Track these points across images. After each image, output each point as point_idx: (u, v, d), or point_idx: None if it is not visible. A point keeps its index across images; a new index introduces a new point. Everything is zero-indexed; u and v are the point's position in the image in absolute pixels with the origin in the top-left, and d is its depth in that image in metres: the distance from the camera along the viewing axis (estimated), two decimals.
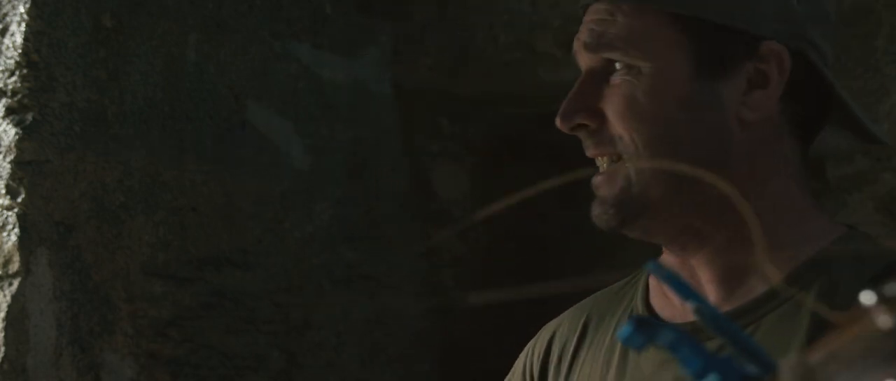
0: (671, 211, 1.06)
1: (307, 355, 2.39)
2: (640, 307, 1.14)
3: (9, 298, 1.99)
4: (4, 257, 2.00)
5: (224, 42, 2.31)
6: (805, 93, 1.07)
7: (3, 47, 2.05)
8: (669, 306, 1.11)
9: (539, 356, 1.24)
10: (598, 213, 1.08)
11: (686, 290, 0.71)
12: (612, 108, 1.06)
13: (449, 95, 2.59)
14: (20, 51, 2.03)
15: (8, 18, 2.06)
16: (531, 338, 1.28)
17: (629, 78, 1.05)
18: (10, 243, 2.00)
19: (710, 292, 1.07)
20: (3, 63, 2.05)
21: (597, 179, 1.08)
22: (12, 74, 2.03)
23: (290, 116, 2.40)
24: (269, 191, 2.36)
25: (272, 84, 2.39)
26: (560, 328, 1.24)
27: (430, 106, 2.63)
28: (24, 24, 2.03)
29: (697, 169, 1.01)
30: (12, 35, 2.04)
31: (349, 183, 2.50)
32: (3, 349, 1.97)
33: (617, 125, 1.06)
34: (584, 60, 1.10)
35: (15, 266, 1.99)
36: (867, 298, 0.50)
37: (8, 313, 1.98)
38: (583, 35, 1.09)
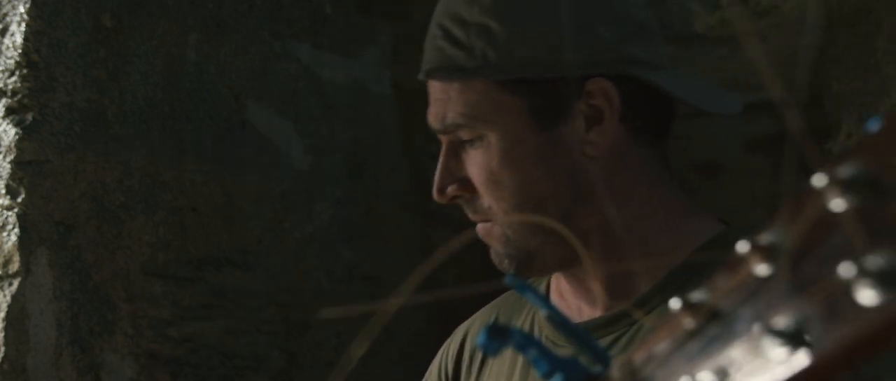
0: (555, 252, 1.13)
1: (307, 355, 2.39)
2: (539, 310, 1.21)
3: (9, 298, 1.99)
4: (4, 257, 2.00)
5: (224, 42, 2.31)
6: (644, 104, 1.13)
7: (3, 47, 2.05)
8: (566, 305, 1.20)
9: (452, 357, 1.31)
10: (498, 261, 1.18)
11: (538, 300, 0.78)
12: (477, 180, 1.14)
13: None
14: (20, 51, 2.03)
15: (8, 18, 2.06)
16: None
17: (482, 149, 1.12)
18: (10, 243, 2.00)
19: (600, 300, 1.16)
20: (3, 63, 2.05)
21: (480, 231, 1.17)
22: (12, 74, 2.03)
23: (290, 116, 2.40)
24: (269, 191, 2.36)
25: (272, 84, 2.39)
26: (471, 329, 1.32)
27: None
28: (24, 24, 2.03)
29: (549, 222, 1.08)
30: (12, 35, 2.04)
31: (349, 183, 2.50)
32: (3, 349, 1.97)
33: (484, 196, 1.14)
34: (440, 138, 1.18)
35: (15, 266, 1.99)
36: (674, 303, 0.57)
37: (8, 313, 1.98)
38: (431, 119, 1.16)
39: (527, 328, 1.23)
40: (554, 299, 1.22)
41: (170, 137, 2.21)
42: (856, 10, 2.18)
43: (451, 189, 1.17)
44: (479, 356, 1.28)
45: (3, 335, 1.97)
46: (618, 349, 1.09)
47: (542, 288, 1.27)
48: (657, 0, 2.34)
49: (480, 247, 2.92)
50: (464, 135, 1.14)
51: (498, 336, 0.72)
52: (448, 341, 1.35)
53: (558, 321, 0.76)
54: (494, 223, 1.15)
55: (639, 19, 1.15)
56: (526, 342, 0.72)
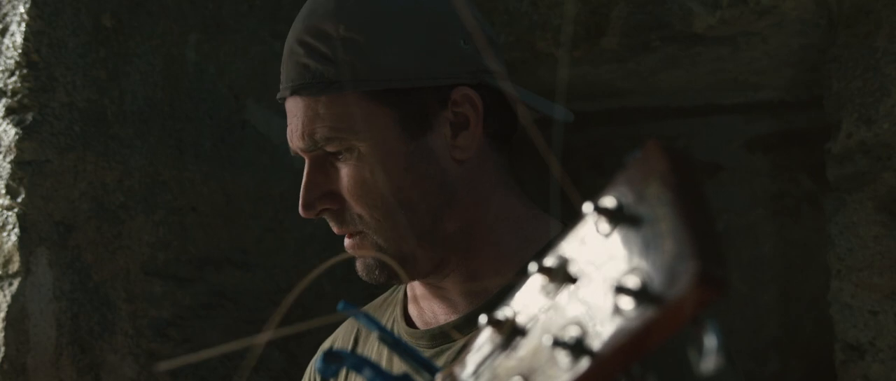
0: (425, 257, 1.18)
1: (307, 355, 2.39)
2: (399, 317, 1.28)
3: (9, 298, 1.99)
4: (4, 257, 2.00)
5: (224, 42, 2.31)
6: (499, 112, 1.20)
7: (3, 47, 2.06)
8: (422, 315, 1.25)
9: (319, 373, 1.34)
10: (364, 273, 1.23)
11: (371, 322, 0.84)
12: (347, 191, 1.17)
13: None
14: (20, 51, 2.03)
15: (8, 18, 2.06)
16: None
17: (353, 161, 1.16)
18: (10, 243, 2.00)
19: (461, 306, 1.21)
20: (3, 63, 2.05)
21: (348, 245, 1.21)
22: (12, 74, 2.03)
23: None
24: (269, 191, 2.36)
25: (272, 84, 2.39)
26: (335, 344, 1.38)
27: None
28: (24, 24, 2.03)
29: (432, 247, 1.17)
30: (12, 35, 2.04)
31: None
32: (3, 349, 1.97)
33: (356, 206, 1.17)
34: (305, 155, 1.20)
35: (15, 266, 1.99)
36: (482, 319, 0.66)
37: (8, 313, 1.98)
38: (295, 139, 1.19)
39: (391, 328, 1.28)
40: (410, 305, 1.27)
41: (170, 137, 2.21)
42: (856, 10, 2.18)
43: (318, 203, 1.19)
44: (342, 371, 1.33)
45: (3, 335, 1.97)
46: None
47: (399, 295, 1.33)
48: (657, 0, 2.34)
49: None
50: (332, 148, 1.17)
51: (333, 360, 0.78)
52: (313, 359, 1.41)
53: (390, 341, 0.82)
54: (364, 234, 1.18)
55: (488, 34, 1.22)
56: (359, 364, 0.78)
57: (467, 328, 1.18)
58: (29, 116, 2.03)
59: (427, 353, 1.20)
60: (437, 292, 1.23)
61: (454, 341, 1.19)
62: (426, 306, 1.25)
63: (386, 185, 1.16)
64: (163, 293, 2.17)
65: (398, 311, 1.30)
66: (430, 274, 1.21)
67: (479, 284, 1.20)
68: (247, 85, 2.34)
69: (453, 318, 1.21)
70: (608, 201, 0.57)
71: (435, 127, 1.17)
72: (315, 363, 1.39)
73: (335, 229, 1.21)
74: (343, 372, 1.34)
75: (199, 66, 2.27)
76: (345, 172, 1.17)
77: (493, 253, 1.20)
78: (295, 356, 2.37)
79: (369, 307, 1.38)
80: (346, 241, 1.21)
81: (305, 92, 1.18)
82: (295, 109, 1.20)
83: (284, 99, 1.23)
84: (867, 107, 2.14)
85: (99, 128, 2.11)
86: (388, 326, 1.29)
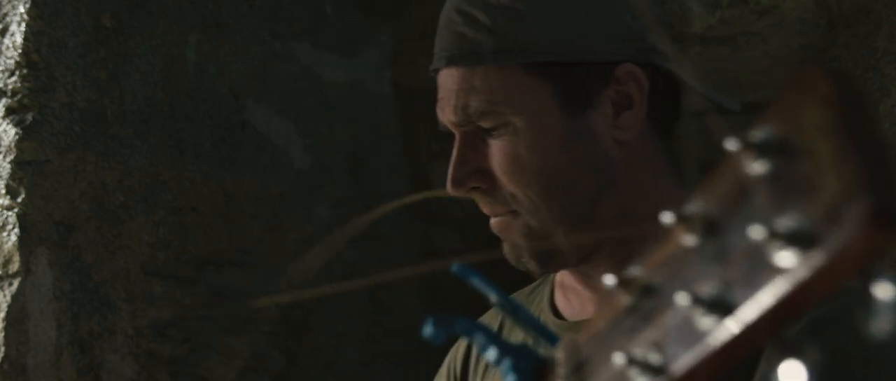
0: (578, 240, 1.12)
1: (307, 355, 2.39)
2: (545, 306, 1.20)
3: (9, 298, 1.99)
4: (4, 257, 2.00)
5: (224, 42, 2.31)
6: (664, 94, 1.14)
7: (3, 47, 2.05)
8: (570, 305, 1.18)
9: (462, 355, 1.31)
10: (512, 256, 1.16)
11: (486, 285, 0.80)
12: (500, 168, 1.11)
13: None
14: (20, 51, 2.03)
15: (8, 18, 2.06)
16: None
17: (507, 136, 1.10)
18: (10, 243, 2.00)
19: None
20: (3, 63, 2.05)
21: (495, 225, 1.14)
22: (12, 74, 2.03)
23: (290, 116, 2.40)
24: (269, 191, 2.36)
25: (272, 84, 2.39)
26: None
27: (430, 106, 2.62)
28: (24, 24, 2.03)
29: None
30: (12, 35, 2.04)
31: (349, 183, 2.50)
32: (3, 349, 1.97)
33: (508, 185, 1.11)
34: (456, 129, 1.15)
35: (15, 266, 1.99)
36: (609, 279, 0.58)
37: (8, 313, 1.98)
38: (447, 111, 1.14)
39: (538, 317, 1.18)
40: (558, 293, 1.20)
41: (170, 137, 2.21)
42: (856, 10, 2.18)
43: (469, 180, 1.13)
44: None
45: (3, 335, 1.97)
46: None
47: (546, 288, 1.26)
48: (657, 0, 2.34)
49: (480, 247, 2.91)
50: (486, 123, 1.12)
51: (443, 325, 0.73)
52: (454, 348, 1.34)
53: (508, 308, 0.77)
54: (516, 214, 1.12)
55: (655, 14, 1.17)
56: (471, 329, 0.73)
57: None
58: (29, 116, 2.03)
59: None
60: (587, 281, 1.16)
61: None
62: (574, 298, 1.18)
63: (542, 163, 1.10)
64: (163, 293, 2.17)
65: (545, 299, 1.23)
66: (581, 262, 1.15)
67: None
68: (247, 85, 2.34)
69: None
70: (757, 135, 0.48)
71: (596, 105, 1.11)
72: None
73: (484, 209, 1.15)
74: (480, 367, 1.27)
75: (199, 66, 2.27)
76: (498, 148, 1.11)
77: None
78: (295, 355, 2.37)
79: (519, 295, 1.29)
80: (493, 221, 1.15)
81: (461, 62, 1.13)
82: (448, 80, 1.15)
83: (437, 71, 1.17)
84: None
85: (99, 128, 2.11)
86: (536, 313, 1.22)
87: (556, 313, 1.19)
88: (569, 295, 1.19)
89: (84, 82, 2.09)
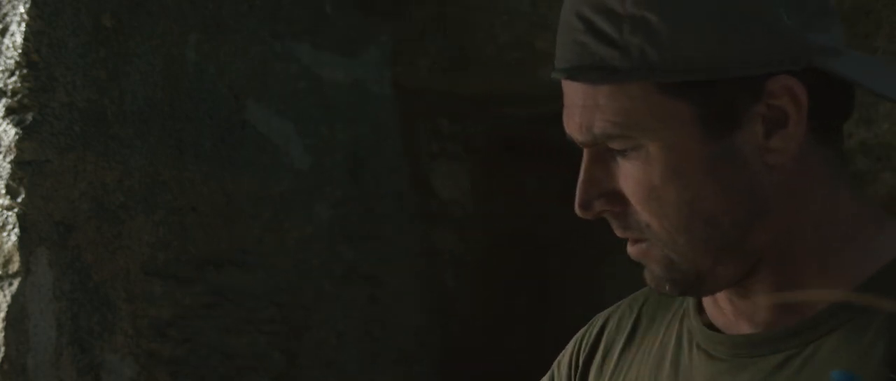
0: (726, 272, 0.99)
1: (307, 355, 2.39)
2: (691, 312, 1.08)
3: (9, 298, 1.98)
4: (4, 257, 2.00)
5: (224, 42, 2.31)
6: (830, 100, 0.98)
7: (3, 47, 2.05)
8: (722, 314, 1.06)
9: (586, 348, 1.18)
10: (653, 284, 1.02)
11: None
12: (633, 195, 0.98)
13: (449, 95, 2.59)
14: (20, 51, 2.03)
15: (8, 18, 2.06)
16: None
17: (640, 161, 0.97)
18: (10, 243, 2.00)
19: (767, 312, 1.01)
20: (3, 63, 2.05)
21: (633, 252, 1.02)
22: (12, 74, 2.03)
23: (290, 116, 2.40)
24: (269, 191, 2.36)
25: (272, 84, 2.39)
26: (610, 322, 1.18)
27: (430, 106, 2.63)
28: (24, 24, 2.03)
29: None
30: (12, 35, 2.04)
31: (349, 183, 2.50)
32: (3, 349, 1.97)
33: (643, 213, 0.98)
34: (583, 146, 1.01)
35: (15, 266, 1.99)
36: None
37: (8, 313, 1.98)
38: (572, 127, 1.00)
39: (674, 326, 1.10)
40: (707, 304, 1.07)
41: (170, 137, 2.21)
42: (856, 10, 2.18)
43: (598, 203, 0.99)
44: (614, 354, 1.14)
45: (3, 335, 1.97)
46: (790, 370, 0.97)
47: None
48: None
49: (481, 247, 2.92)
50: (616, 145, 0.97)
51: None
52: (584, 329, 1.20)
53: None
54: (654, 244, 0.99)
55: (821, 2, 1.00)
56: None
57: (773, 345, 0.99)
58: (29, 116, 2.03)
59: (723, 366, 1.01)
60: (742, 292, 1.02)
61: (758, 357, 0.99)
62: (727, 306, 1.04)
63: (681, 193, 0.96)
64: (163, 293, 2.17)
65: (690, 303, 1.09)
66: (725, 287, 1.01)
67: (797, 296, 1.00)
68: (247, 85, 2.34)
69: (759, 330, 1.01)
70: None
71: (744, 124, 0.95)
72: (616, 328, 1.14)
73: (617, 233, 1.02)
74: (608, 366, 1.15)
75: (199, 66, 2.27)
76: (629, 172, 0.97)
77: (818, 263, 0.99)
78: (295, 355, 2.37)
79: (647, 292, 1.16)
80: (630, 247, 1.01)
81: (583, 78, 0.97)
82: (571, 92, 0.99)
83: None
84: (867, 107, 2.14)
85: (99, 128, 2.11)
86: (676, 318, 1.10)
87: (702, 317, 1.07)
88: (720, 302, 1.05)
89: (84, 82, 2.09)
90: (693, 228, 0.97)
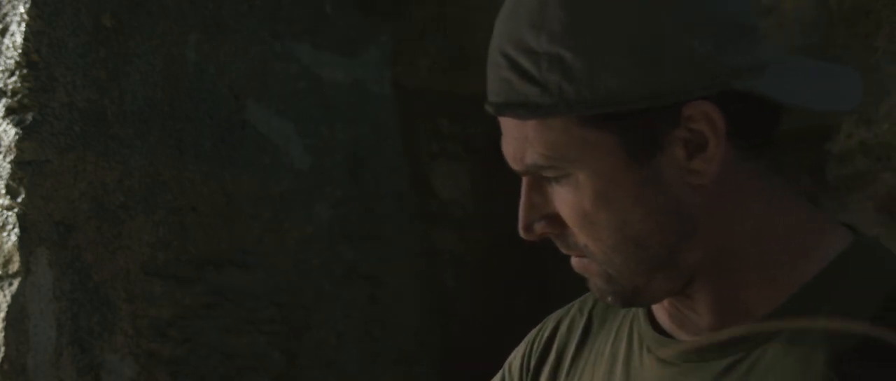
0: (663, 286, 1.04)
1: (307, 355, 2.39)
2: (641, 317, 1.12)
3: (9, 298, 1.99)
4: (4, 257, 2.00)
5: (224, 42, 2.31)
6: (752, 117, 1.01)
7: (3, 47, 2.05)
8: (670, 318, 1.09)
9: (538, 351, 1.22)
10: (599, 296, 1.07)
11: None
12: (567, 218, 1.03)
13: (449, 95, 2.59)
14: (20, 51, 2.03)
15: (8, 18, 2.06)
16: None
17: (570, 187, 1.01)
18: (10, 243, 2.00)
19: (707, 320, 1.05)
20: (3, 63, 2.05)
21: (576, 265, 1.06)
22: (12, 74, 2.03)
23: (290, 116, 2.40)
24: (269, 191, 2.36)
25: (272, 84, 2.39)
26: (562, 325, 1.22)
27: (430, 106, 2.63)
28: (24, 24, 2.03)
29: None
30: (12, 35, 2.04)
31: (349, 183, 2.50)
32: (3, 349, 1.97)
33: (578, 235, 1.03)
34: (518, 173, 1.06)
35: (15, 266, 1.99)
36: None
37: (8, 313, 1.98)
38: (508, 157, 1.05)
39: (624, 330, 1.13)
40: (656, 309, 1.11)
41: (170, 137, 2.21)
42: (856, 10, 2.18)
43: (538, 226, 1.04)
44: (567, 357, 1.18)
45: (3, 335, 1.97)
46: (737, 375, 1.01)
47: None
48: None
49: (481, 247, 2.91)
50: (548, 174, 1.02)
51: None
52: (536, 330, 1.24)
53: None
54: (593, 261, 1.04)
55: (735, 17, 1.00)
56: None
57: (720, 350, 1.03)
58: (29, 116, 2.03)
59: (673, 370, 1.05)
60: (687, 301, 1.06)
61: (706, 362, 1.03)
62: (674, 312, 1.08)
63: (611, 217, 1.00)
64: (163, 293, 2.17)
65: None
66: (666, 297, 1.06)
67: (738, 304, 1.03)
68: (247, 85, 2.34)
69: (705, 334, 1.05)
70: None
71: (666, 149, 0.99)
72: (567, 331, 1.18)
73: (562, 250, 1.06)
74: (567, 358, 1.19)
75: (199, 66, 2.27)
76: (563, 198, 1.02)
77: (752, 276, 1.02)
78: (295, 355, 2.37)
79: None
80: (573, 261, 1.06)
81: (510, 113, 1.02)
82: (504, 125, 1.04)
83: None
84: (867, 107, 2.14)
85: (99, 128, 2.11)
86: (627, 321, 1.13)
87: (652, 320, 1.10)
88: (668, 308, 1.09)
89: (84, 82, 2.09)
90: (625, 249, 1.01)
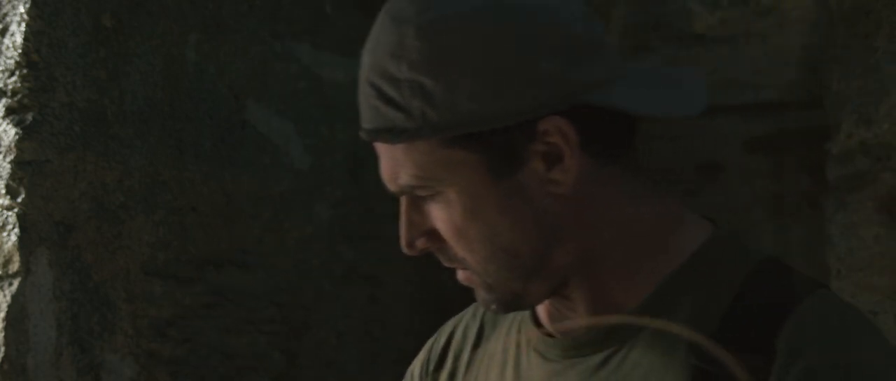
0: (539, 289, 1.11)
1: (307, 355, 2.40)
2: (527, 319, 1.19)
3: (9, 298, 1.99)
4: (4, 257, 2.00)
5: (224, 42, 2.31)
6: (604, 127, 1.08)
7: (3, 47, 2.06)
8: (551, 319, 1.16)
9: (435, 358, 1.31)
10: (484, 305, 1.15)
11: None
12: (443, 233, 1.10)
13: None
14: (20, 51, 2.03)
15: (8, 18, 2.06)
16: None
17: (442, 204, 1.09)
18: (10, 243, 2.00)
19: (588, 316, 1.12)
20: (3, 63, 2.05)
21: (461, 278, 1.14)
22: (12, 74, 2.03)
23: (290, 116, 2.40)
24: (269, 191, 2.36)
25: (272, 84, 2.39)
26: (457, 331, 1.30)
27: None
28: (24, 24, 2.03)
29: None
30: (12, 35, 2.04)
31: (349, 183, 2.50)
32: (3, 349, 1.97)
33: (455, 248, 1.10)
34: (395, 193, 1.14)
35: (15, 266, 2.00)
36: None
37: (8, 313, 1.98)
38: (385, 179, 1.13)
39: (513, 333, 1.20)
40: (540, 311, 1.19)
41: (170, 137, 2.21)
42: (856, 10, 2.18)
43: (419, 242, 1.14)
44: (464, 357, 1.26)
45: (3, 335, 1.97)
46: (610, 367, 1.09)
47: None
48: (657, 0, 2.34)
49: None
50: (421, 193, 1.10)
51: None
52: (432, 339, 1.33)
53: None
54: (473, 272, 1.12)
55: (581, 36, 1.08)
56: None
57: (594, 345, 1.11)
58: (29, 116, 2.03)
59: (556, 366, 1.13)
60: (564, 301, 1.14)
61: (583, 356, 1.11)
62: (554, 313, 1.16)
63: (482, 230, 1.08)
64: (163, 293, 2.18)
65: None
66: (550, 298, 1.14)
67: (609, 301, 1.11)
68: (247, 85, 2.34)
69: (583, 331, 1.13)
70: None
71: (526, 162, 1.06)
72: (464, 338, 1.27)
73: (444, 263, 1.15)
74: (455, 360, 1.27)
75: (199, 66, 2.27)
76: (437, 215, 1.10)
77: (620, 273, 1.11)
78: (295, 355, 2.37)
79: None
80: (458, 274, 1.14)
81: (380, 139, 1.11)
82: (378, 149, 1.13)
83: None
84: (867, 107, 2.14)
85: (99, 128, 2.11)
86: (515, 323, 1.21)
87: (536, 320, 1.18)
88: (549, 308, 1.16)
89: (84, 82, 2.09)
90: (498, 259, 1.09)
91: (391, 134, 1.09)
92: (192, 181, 2.24)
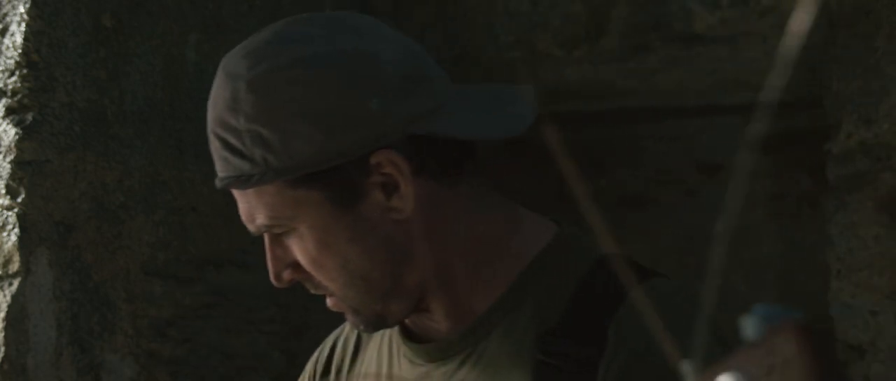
0: (399, 307, 1.19)
1: (307, 355, 2.39)
2: (397, 329, 1.26)
3: (9, 298, 1.99)
4: (4, 257, 2.01)
5: (224, 42, 2.31)
6: (436, 152, 1.16)
7: (3, 47, 2.06)
8: (417, 327, 1.24)
9: (320, 369, 1.38)
10: (354, 327, 1.25)
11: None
12: (304, 265, 1.19)
13: None
14: (20, 51, 2.03)
15: (8, 18, 2.06)
16: None
17: (297, 239, 1.17)
18: (10, 243, 2.00)
19: (445, 325, 1.21)
20: (3, 63, 2.05)
21: (330, 304, 1.21)
22: (12, 74, 2.03)
23: None
24: None
25: None
26: (338, 343, 1.37)
27: None
28: (24, 24, 2.03)
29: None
30: (12, 35, 2.04)
31: None
32: (3, 349, 1.97)
33: (317, 278, 1.19)
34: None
35: (15, 266, 2.00)
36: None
37: (8, 313, 1.98)
38: (243, 219, 1.22)
39: (385, 343, 1.28)
40: (408, 321, 1.27)
41: (170, 137, 2.21)
42: (856, 10, 2.18)
43: (286, 274, 1.21)
44: (345, 367, 1.34)
45: (3, 335, 1.97)
46: (469, 367, 1.18)
47: None
48: (657, 0, 2.34)
49: None
50: (277, 231, 1.18)
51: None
52: (317, 351, 1.40)
53: None
54: (337, 299, 1.20)
55: (402, 73, 1.17)
56: None
57: (453, 347, 1.20)
58: (29, 116, 2.03)
59: (422, 370, 1.22)
60: (425, 313, 1.23)
61: (445, 359, 1.20)
62: (419, 323, 1.25)
63: (335, 260, 1.17)
64: (163, 293, 2.18)
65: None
66: (413, 314, 1.22)
67: (465, 308, 1.20)
68: None
69: (444, 336, 1.22)
70: (723, 378, 0.49)
71: (366, 194, 1.15)
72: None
73: (312, 292, 1.23)
74: (338, 369, 1.35)
75: (199, 66, 2.27)
76: (295, 249, 1.18)
77: (473, 280, 1.20)
78: (295, 355, 2.37)
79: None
80: (327, 301, 1.22)
81: (231, 186, 1.20)
82: (235, 194, 1.22)
83: None
84: (867, 107, 2.14)
85: (99, 128, 2.11)
86: (385, 335, 1.29)
87: (406, 331, 1.25)
88: (415, 319, 1.24)
89: (84, 82, 2.09)
90: (355, 285, 1.17)
91: (240, 181, 1.18)
92: (192, 181, 2.24)
